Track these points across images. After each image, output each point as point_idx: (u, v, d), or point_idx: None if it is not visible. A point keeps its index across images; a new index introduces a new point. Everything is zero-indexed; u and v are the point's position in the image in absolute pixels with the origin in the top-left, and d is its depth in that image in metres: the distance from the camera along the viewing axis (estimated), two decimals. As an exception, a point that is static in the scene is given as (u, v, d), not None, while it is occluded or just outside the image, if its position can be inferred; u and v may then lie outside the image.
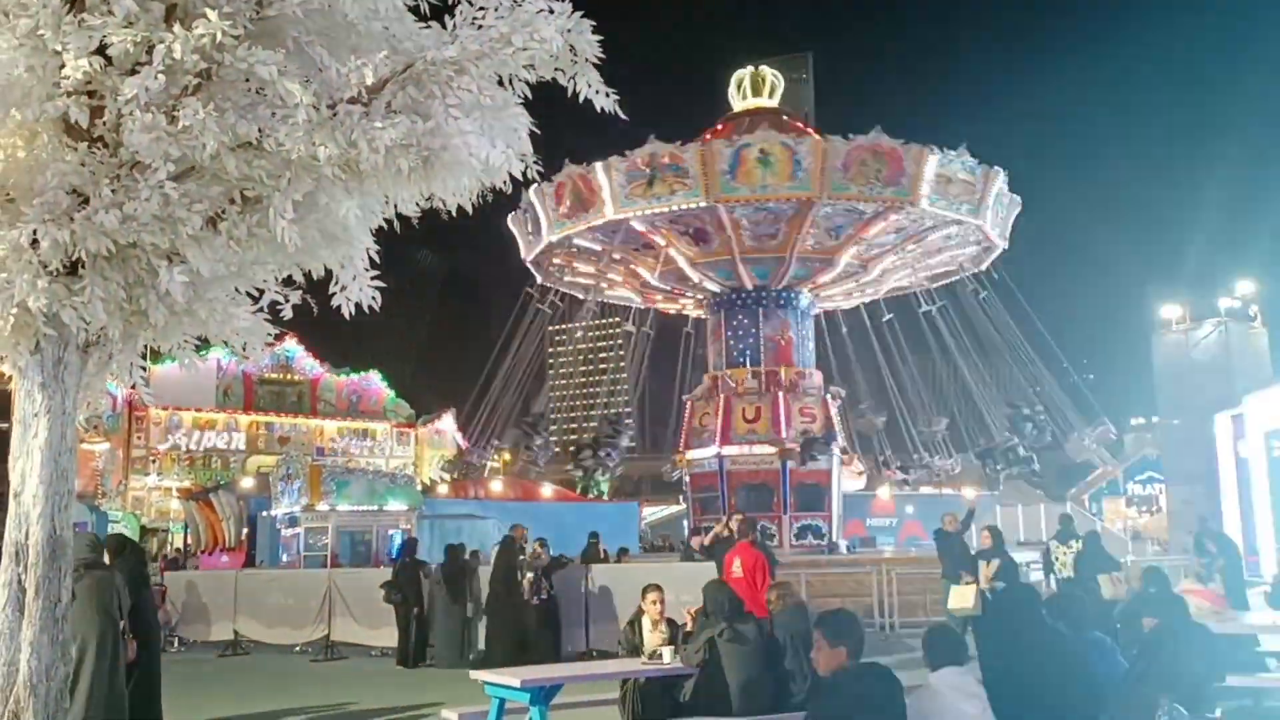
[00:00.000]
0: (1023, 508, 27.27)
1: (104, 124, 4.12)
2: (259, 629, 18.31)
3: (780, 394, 24.43)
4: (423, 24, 4.51)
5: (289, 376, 50.45)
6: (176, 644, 18.85)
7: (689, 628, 8.38)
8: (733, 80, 27.26)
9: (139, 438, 46.24)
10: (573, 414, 71.09)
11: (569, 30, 4.48)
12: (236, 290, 4.66)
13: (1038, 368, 27.50)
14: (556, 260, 25.70)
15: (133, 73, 3.93)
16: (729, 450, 24.18)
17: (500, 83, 4.48)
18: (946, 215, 22.31)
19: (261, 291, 4.72)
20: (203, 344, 5.17)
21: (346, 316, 4.82)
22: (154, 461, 46.17)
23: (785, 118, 26.46)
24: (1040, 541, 25.77)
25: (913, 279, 26.69)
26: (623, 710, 8.66)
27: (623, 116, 4.63)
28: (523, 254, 25.83)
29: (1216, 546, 12.66)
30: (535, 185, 23.36)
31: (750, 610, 9.47)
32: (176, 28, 3.89)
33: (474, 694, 8.89)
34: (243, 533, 29.39)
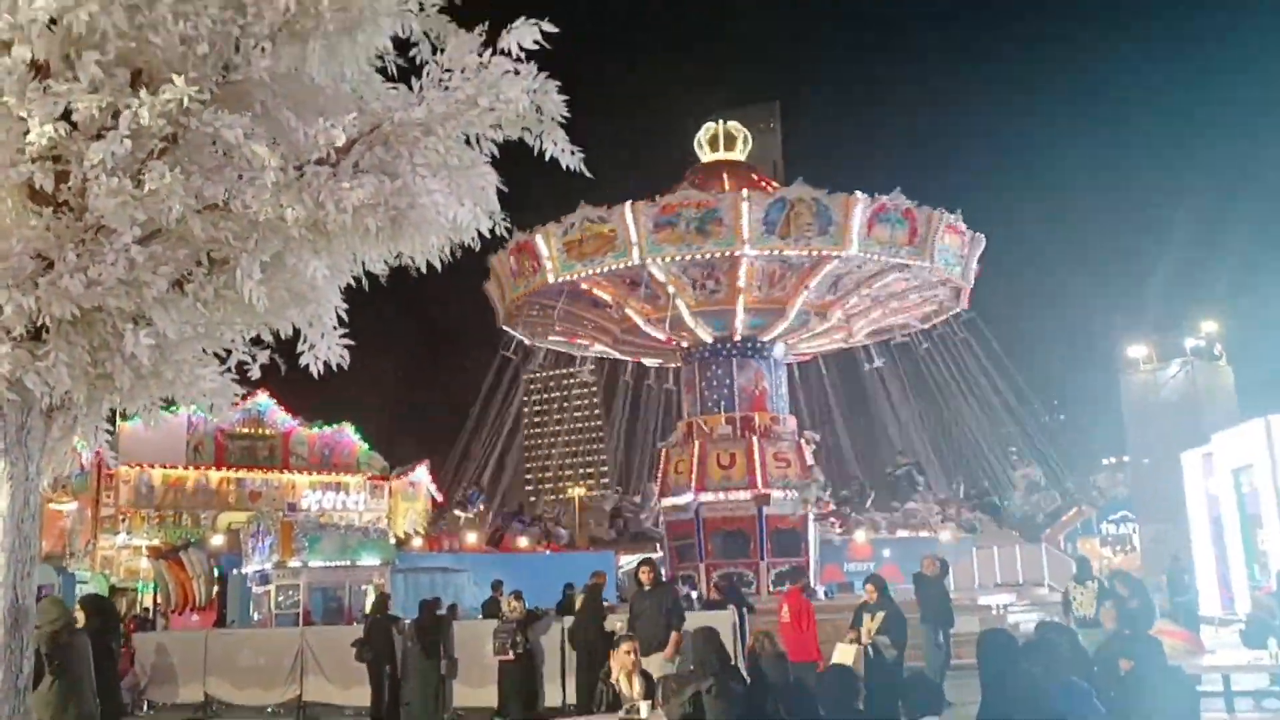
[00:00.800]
0: (998, 550, 27.34)
1: (69, 189, 4.11)
2: (230, 690, 17.95)
3: (755, 439, 24.51)
4: (391, 85, 4.55)
5: (260, 431, 49.93)
6: (145, 707, 18.45)
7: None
8: (699, 134, 27.67)
9: (108, 496, 45.53)
10: (547, 461, 70.78)
11: (535, 90, 4.54)
12: (204, 351, 4.64)
13: (1010, 409, 27.75)
14: (532, 315, 25.94)
15: (98, 138, 3.93)
16: (705, 497, 24.16)
17: (467, 141, 4.52)
18: (883, 259, 22.59)
19: (229, 351, 4.71)
20: (170, 403, 5.13)
21: (315, 375, 4.81)
22: (123, 520, 45.43)
23: (751, 173, 26.87)
24: (1017, 584, 25.84)
25: (888, 323, 27.04)
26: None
27: (588, 174, 4.68)
28: (500, 320, 26.33)
29: (1128, 590, 12.69)
30: (493, 255, 24.14)
31: (797, 654, 10.56)
32: (143, 93, 3.90)
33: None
34: (213, 591, 28.94)
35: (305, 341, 4.71)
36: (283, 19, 4.15)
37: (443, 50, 4.50)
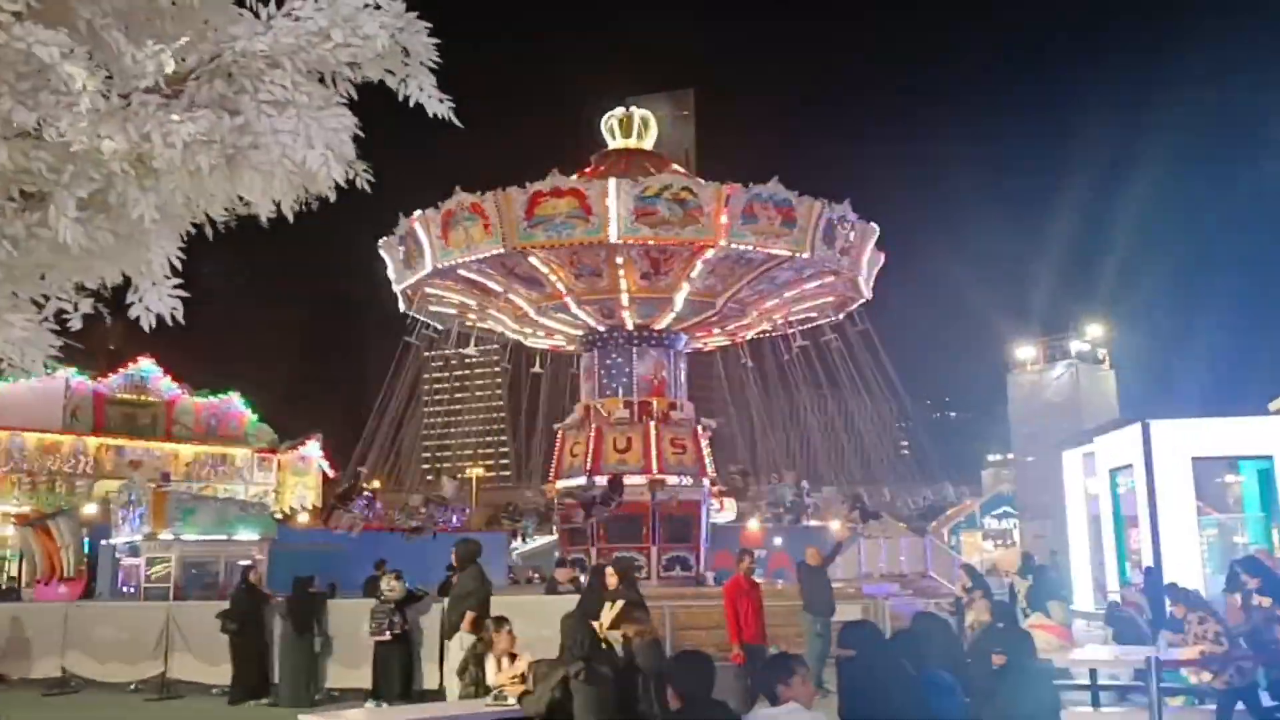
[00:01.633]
0: (885, 541, 27.80)
1: None
2: (91, 665, 17.18)
3: (652, 424, 24.34)
4: (240, 11, 4.13)
5: (143, 398, 48.12)
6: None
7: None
8: (604, 120, 27.25)
9: (-24, 460, 43.42)
10: (445, 441, 69.90)
11: (400, 30, 4.19)
12: (16, 296, 4.18)
13: (902, 406, 28.13)
14: (430, 290, 25.30)
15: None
16: (599, 480, 23.91)
17: (322, 80, 4.15)
18: (759, 251, 22.32)
19: (48, 298, 4.25)
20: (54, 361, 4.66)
21: (146, 329, 4.38)
22: (-8, 485, 43.34)
23: (656, 159, 26.55)
24: (900, 575, 26.33)
25: (794, 313, 27.05)
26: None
27: (457, 123, 4.34)
28: (402, 304, 25.67)
29: (971, 580, 13.05)
30: (382, 239, 23.79)
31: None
32: (-70, -4, 3.44)
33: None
34: (82, 562, 27.71)
35: (135, 291, 4.29)
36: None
37: None
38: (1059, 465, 22.92)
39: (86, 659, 17.21)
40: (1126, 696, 12.68)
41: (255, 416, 50.73)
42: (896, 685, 5.69)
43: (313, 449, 51.21)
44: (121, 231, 4.08)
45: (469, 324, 27.29)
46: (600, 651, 7.47)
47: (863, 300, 26.10)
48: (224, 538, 23.04)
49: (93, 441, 46.05)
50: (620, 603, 9.90)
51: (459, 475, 58.60)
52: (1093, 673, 12.12)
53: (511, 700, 7.76)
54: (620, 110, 27.21)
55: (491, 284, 23.82)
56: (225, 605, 16.78)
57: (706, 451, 25.37)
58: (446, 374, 55.70)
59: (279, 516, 32.68)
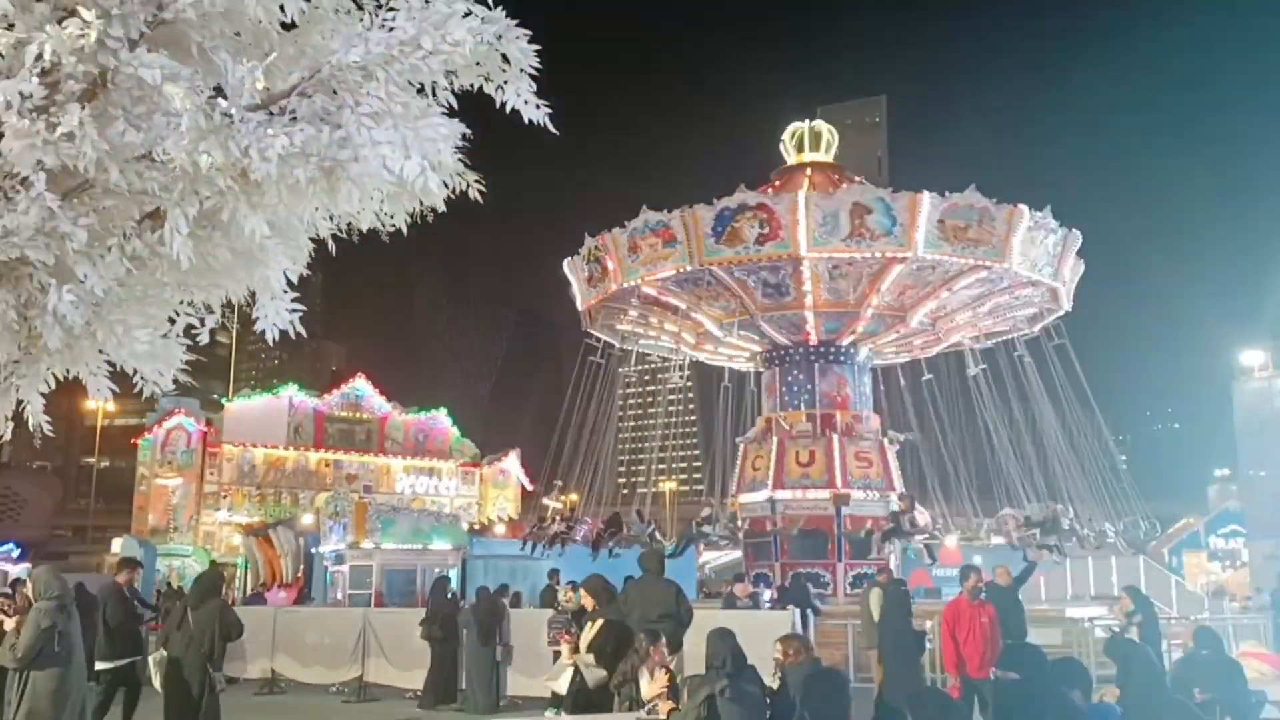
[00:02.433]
0: (1093, 561, 26.07)
1: (-17, 134, 3.90)
2: (296, 667, 18.14)
3: (835, 437, 23.76)
4: (336, 22, 4.21)
5: (358, 415, 50.99)
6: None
7: None
8: (785, 134, 26.88)
9: (212, 473, 47.03)
10: (639, 456, 70.76)
11: (499, 37, 4.17)
12: (149, 314, 4.40)
13: (1115, 419, 26.28)
14: (612, 319, 25.76)
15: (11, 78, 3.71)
16: (781, 495, 23.53)
17: (420, 91, 4.18)
18: (955, 261, 21.59)
19: (177, 316, 4.46)
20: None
21: (270, 342, 4.53)
22: (225, 497, 46.87)
23: (838, 174, 26.00)
24: (1111, 597, 24.54)
25: (985, 328, 25.93)
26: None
27: (553, 130, 4.28)
28: (583, 324, 26.25)
29: (1134, 604, 11.85)
30: (567, 259, 24.23)
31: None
32: (49, 27, 3.66)
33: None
34: (299, 569, 29.50)
35: (258, 307, 4.44)
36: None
37: None
38: (1292, 480, 20.87)
39: (292, 662, 18.19)
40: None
41: (458, 432, 52.83)
42: (1052, 713, 5.21)
43: (511, 463, 52.86)
44: (238, 249, 4.22)
45: (650, 341, 27.47)
46: (746, 669, 7.22)
47: (1062, 312, 24.73)
48: (419, 547, 24.00)
49: (314, 456, 49.07)
50: (600, 622, 9.20)
51: (652, 488, 59.19)
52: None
53: (663, 716, 7.62)
54: (798, 125, 26.81)
55: (676, 301, 23.89)
56: (419, 612, 17.43)
57: (894, 465, 24.52)
58: (639, 390, 56.39)
59: (478, 528, 33.88)
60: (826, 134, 26.69)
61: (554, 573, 17.82)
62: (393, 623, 17.60)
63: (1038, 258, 22.12)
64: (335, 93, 4.06)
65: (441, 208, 4.49)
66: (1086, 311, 26.14)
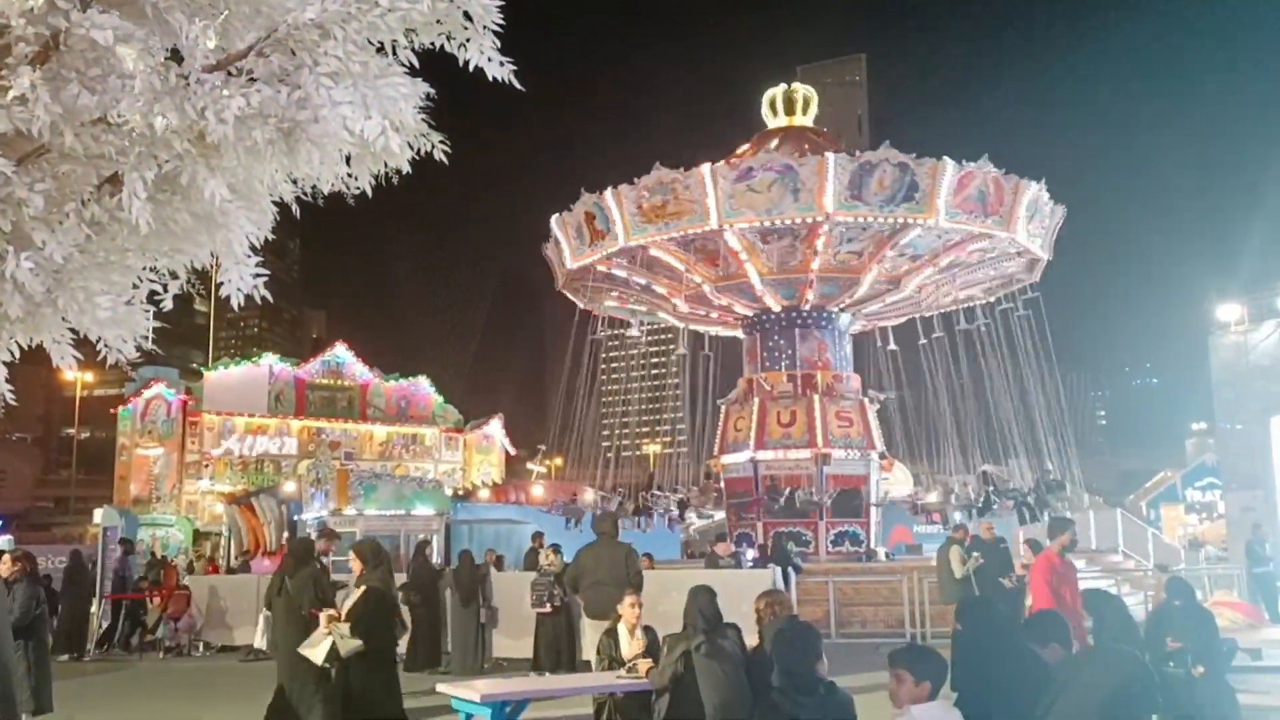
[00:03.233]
0: (1094, 514, 26.40)
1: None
2: (281, 634, 18.18)
3: (816, 397, 23.87)
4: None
5: (339, 382, 50.81)
6: (201, 648, 18.89)
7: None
8: (765, 98, 26.66)
9: (193, 443, 46.84)
10: (625, 421, 70.89)
11: (455, -9, 4.10)
12: (112, 280, 4.34)
13: (1095, 375, 26.49)
14: (591, 283, 25.52)
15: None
16: (763, 455, 23.65)
17: (380, 50, 4.11)
18: (967, 229, 21.63)
19: (140, 282, 4.41)
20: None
21: (235, 306, 4.49)
22: (207, 466, 46.71)
23: (817, 136, 25.86)
24: (1095, 551, 24.84)
25: (962, 294, 25.99)
26: (598, 729, 8.24)
27: (518, 86, 4.24)
28: (558, 283, 25.97)
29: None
30: (556, 215, 23.75)
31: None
32: (0, -10, 3.58)
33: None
34: (283, 537, 29.45)
35: (222, 271, 4.39)
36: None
37: None
38: (1267, 433, 21.10)
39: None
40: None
41: (440, 398, 52.75)
42: (1004, 659, 5.29)
43: (495, 428, 52.92)
44: (199, 212, 4.17)
45: (630, 304, 27.33)
46: (722, 626, 7.25)
47: (1044, 261, 24.87)
48: (402, 513, 24.03)
49: (295, 424, 48.91)
50: (362, 589, 8.63)
51: (635, 452, 59.38)
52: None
53: (642, 673, 7.69)
54: (775, 89, 26.60)
55: (674, 261, 23.58)
56: (402, 578, 17.47)
57: (875, 424, 24.68)
58: (621, 354, 56.34)
59: (462, 492, 33.92)
60: (804, 96, 26.53)
61: (538, 535, 17.88)
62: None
63: (1035, 230, 22.42)
64: (293, 53, 4.00)
65: (406, 169, 4.45)
66: (1065, 269, 26.29)
